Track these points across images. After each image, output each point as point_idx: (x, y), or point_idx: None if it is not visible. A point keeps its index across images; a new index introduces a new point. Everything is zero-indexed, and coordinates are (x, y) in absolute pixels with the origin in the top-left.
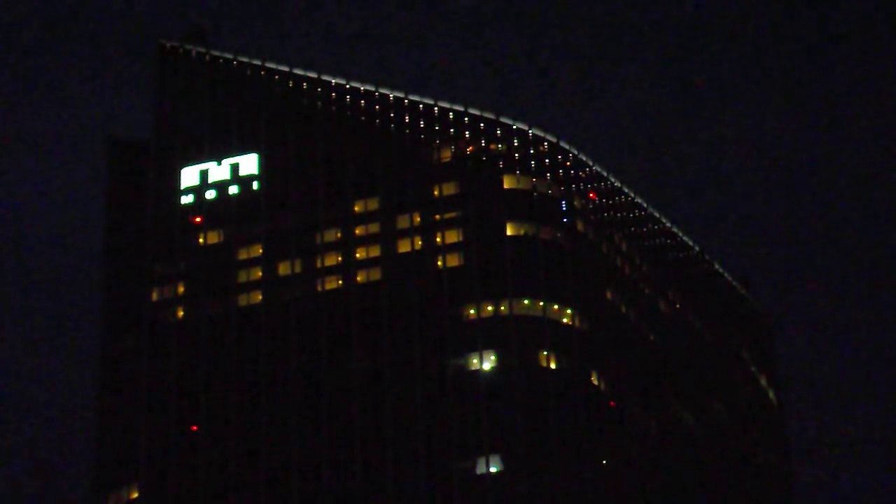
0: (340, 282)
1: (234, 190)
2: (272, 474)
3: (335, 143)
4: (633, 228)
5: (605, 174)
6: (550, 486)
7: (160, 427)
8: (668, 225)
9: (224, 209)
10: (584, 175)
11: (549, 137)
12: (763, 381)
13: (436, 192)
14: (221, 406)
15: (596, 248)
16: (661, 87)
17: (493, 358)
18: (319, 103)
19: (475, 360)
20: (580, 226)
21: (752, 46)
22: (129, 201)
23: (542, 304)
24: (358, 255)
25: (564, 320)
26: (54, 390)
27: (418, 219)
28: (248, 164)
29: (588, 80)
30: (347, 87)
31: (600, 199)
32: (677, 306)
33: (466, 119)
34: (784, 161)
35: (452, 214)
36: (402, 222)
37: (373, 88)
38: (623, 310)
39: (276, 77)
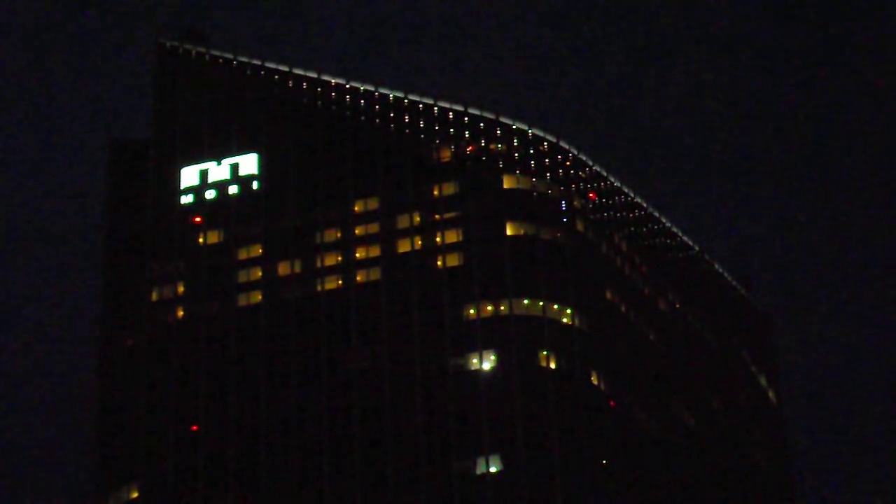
0: (340, 282)
1: (233, 190)
2: (272, 474)
3: (335, 143)
4: (633, 228)
5: (605, 174)
6: (550, 486)
7: (160, 427)
8: (668, 225)
9: (224, 209)
10: (584, 175)
11: (549, 137)
12: (763, 381)
13: (435, 192)
14: (221, 406)
15: (596, 248)
16: (662, 87)
17: (493, 358)
18: (319, 103)
19: (475, 360)
20: (580, 226)
21: (752, 46)
22: (129, 201)
23: (542, 304)
24: (358, 255)
25: (564, 320)
26: (54, 390)
27: (418, 219)
28: (248, 164)
29: (588, 80)
30: (347, 87)
31: (600, 199)
32: (677, 306)
33: (466, 119)
34: (784, 161)
35: (452, 214)
36: (402, 222)
37: (373, 88)
38: (623, 310)
39: (276, 77)
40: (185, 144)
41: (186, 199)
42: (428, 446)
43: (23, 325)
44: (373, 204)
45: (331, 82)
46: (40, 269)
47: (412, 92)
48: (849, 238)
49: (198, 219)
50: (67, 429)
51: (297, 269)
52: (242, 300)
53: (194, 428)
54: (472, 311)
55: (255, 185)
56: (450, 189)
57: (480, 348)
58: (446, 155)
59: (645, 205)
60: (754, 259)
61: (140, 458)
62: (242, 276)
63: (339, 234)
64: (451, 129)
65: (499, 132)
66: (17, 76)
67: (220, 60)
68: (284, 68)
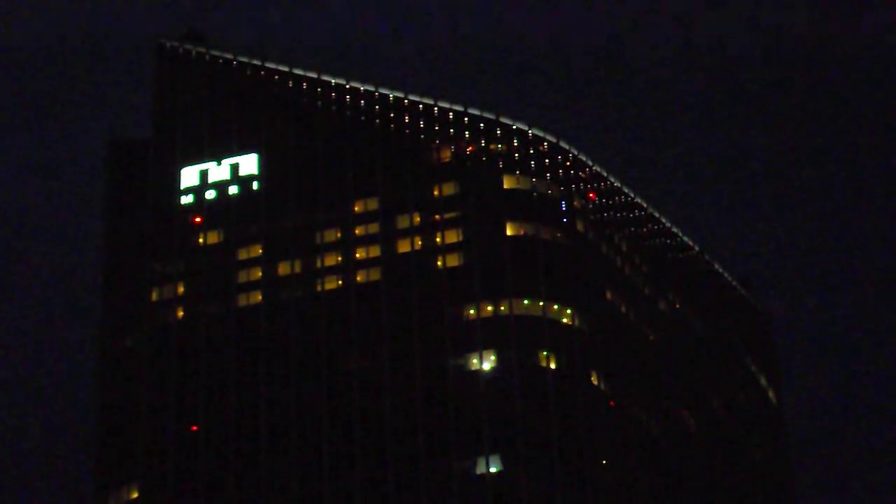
0: (340, 282)
1: (234, 190)
2: (272, 474)
3: (335, 143)
4: (633, 228)
5: (605, 174)
6: (550, 486)
7: (160, 427)
8: (668, 225)
9: (224, 209)
10: (584, 175)
11: (549, 137)
12: (763, 381)
13: (436, 192)
14: (221, 406)
15: (596, 248)
16: (661, 87)
17: (493, 358)
18: (319, 103)
19: (475, 360)
20: (580, 226)
21: (752, 46)
22: (129, 201)
23: (542, 304)
24: (358, 255)
25: (564, 320)
26: (54, 390)
27: (418, 219)
28: (248, 164)
29: (588, 80)
30: (347, 87)
31: (600, 199)
32: (677, 306)
33: (466, 119)
34: (784, 161)
35: (452, 214)
36: (402, 222)
37: (373, 88)
38: (623, 310)
39: (276, 77)
40: (185, 144)
41: (186, 199)
42: (428, 446)
43: (23, 326)
44: (373, 204)
45: (331, 82)
46: (40, 269)
47: (412, 92)
48: (849, 238)
49: (198, 219)
50: (67, 429)
51: (297, 269)
52: (242, 300)
53: (194, 428)
54: (472, 311)
55: (255, 185)
56: (450, 189)
57: (480, 348)
58: (446, 155)
59: (645, 205)
60: (754, 259)
61: (140, 458)
62: (242, 276)
63: (339, 234)
64: (451, 129)
65: (499, 132)
66: (17, 76)
67: (220, 60)
68: (284, 68)
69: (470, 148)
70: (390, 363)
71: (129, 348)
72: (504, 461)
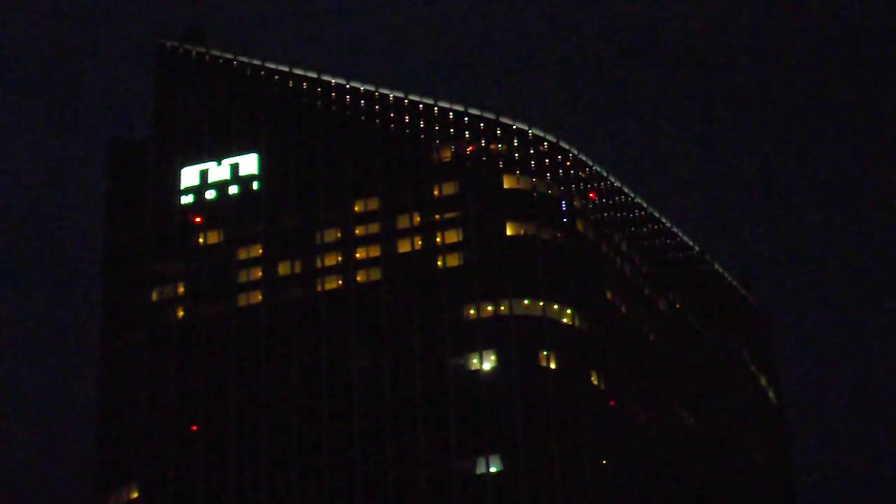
0: (340, 282)
1: (234, 190)
2: (272, 474)
3: (335, 143)
4: (633, 228)
5: (605, 174)
6: (550, 486)
7: (160, 427)
8: (668, 225)
9: (224, 209)
10: (584, 175)
11: (549, 137)
12: (763, 381)
13: (436, 192)
14: (221, 406)
15: (596, 248)
16: (661, 87)
17: (493, 358)
18: (319, 103)
19: (475, 360)
20: (580, 226)
21: (751, 46)
22: (129, 201)
23: (542, 304)
24: (358, 255)
25: (564, 320)
26: (54, 390)
27: (418, 219)
28: (248, 164)
29: (588, 81)
30: (347, 87)
31: (600, 199)
32: (677, 306)
33: (466, 119)
34: (784, 161)
35: (452, 214)
36: (402, 222)
37: (373, 88)
38: (623, 310)
39: (276, 77)
40: (185, 144)
41: (186, 199)
42: (428, 446)
43: (23, 326)
44: (373, 204)
45: (331, 82)
46: (40, 269)
47: (412, 92)
48: (849, 238)
49: (198, 219)
50: (67, 429)
51: (297, 269)
52: (242, 300)
53: (194, 428)
54: (472, 311)
55: (255, 185)
56: (450, 189)
57: (480, 348)
58: (446, 155)
59: (645, 205)
60: (754, 259)
61: (140, 458)
62: (242, 276)
63: (339, 234)
64: (451, 129)
65: (499, 132)
66: (17, 76)
67: (220, 60)
68: (284, 68)
69: (470, 148)
70: (390, 363)
71: (129, 348)
72: (504, 461)
